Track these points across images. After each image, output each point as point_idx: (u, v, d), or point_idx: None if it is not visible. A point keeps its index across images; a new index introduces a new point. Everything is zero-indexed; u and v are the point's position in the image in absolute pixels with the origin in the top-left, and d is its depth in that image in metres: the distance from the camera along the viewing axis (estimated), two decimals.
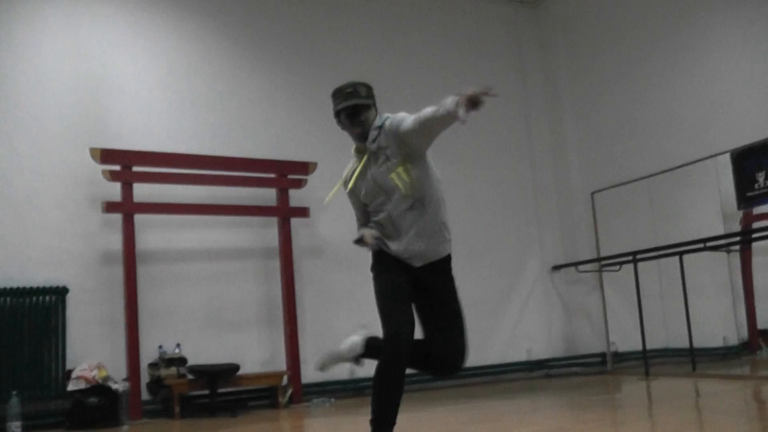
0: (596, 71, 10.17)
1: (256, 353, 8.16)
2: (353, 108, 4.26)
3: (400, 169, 4.06)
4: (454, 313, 4.20)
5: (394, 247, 4.17)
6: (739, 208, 8.09)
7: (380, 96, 9.47)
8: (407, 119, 4.06)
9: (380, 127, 4.20)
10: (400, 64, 9.66)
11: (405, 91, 9.52)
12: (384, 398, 4.13)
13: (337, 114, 4.41)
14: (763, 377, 8.01)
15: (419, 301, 4.22)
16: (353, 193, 4.39)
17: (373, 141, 4.20)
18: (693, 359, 8.27)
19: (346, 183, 4.43)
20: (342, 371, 8.55)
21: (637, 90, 9.49)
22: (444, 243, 4.19)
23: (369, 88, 4.37)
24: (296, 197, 8.41)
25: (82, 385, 6.90)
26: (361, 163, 4.28)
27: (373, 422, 4.05)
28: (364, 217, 4.43)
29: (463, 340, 4.19)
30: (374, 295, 4.27)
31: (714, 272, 8.63)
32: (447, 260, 4.24)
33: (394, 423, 4.07)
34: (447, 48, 10.02)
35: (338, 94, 4.38)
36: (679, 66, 8.92)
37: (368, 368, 8.48)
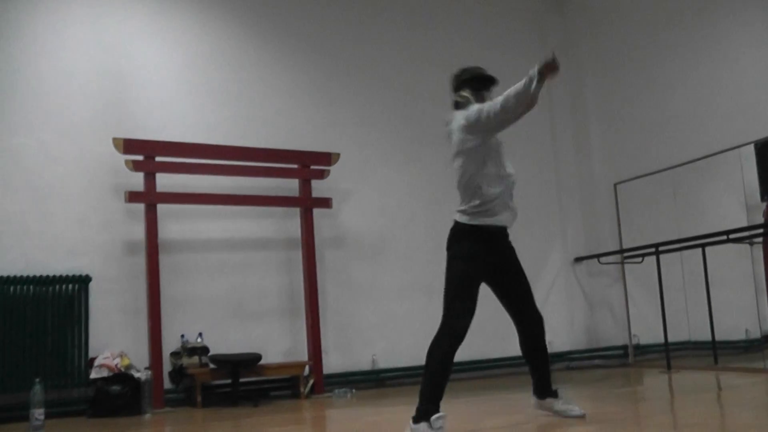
0: (620, 63, 10.11)
1: (277, 343, 8.19)
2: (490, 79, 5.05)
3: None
4: (525, 277, 4.99)
5: (503, 208, 4.88)
6: (762, 199, 8.03)
7: (398, 88, 9.51)
8: None
9: None
10: (419, 58, 9.63)
11: (424, 84, 9.53)
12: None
13: (471, 80, 5.04)
14: None
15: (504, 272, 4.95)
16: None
17: None
18: (715, 352, 8.23)
19: None
20: (365, 362, 8.58)
21: (660, 81, 9.42)
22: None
23: None
24: (318, 188, 8.43)
25: (105, 374, 6.96)
26: None
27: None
28: None
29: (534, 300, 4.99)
30: None
31: (736, 264, 8.57)
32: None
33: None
34: (468, 42, 9.97)
35: (470, 69, 5.09)
36: (703, 57, 8.85)
37: (389, 360, 8.56)
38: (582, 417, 4.76)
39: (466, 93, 4.92)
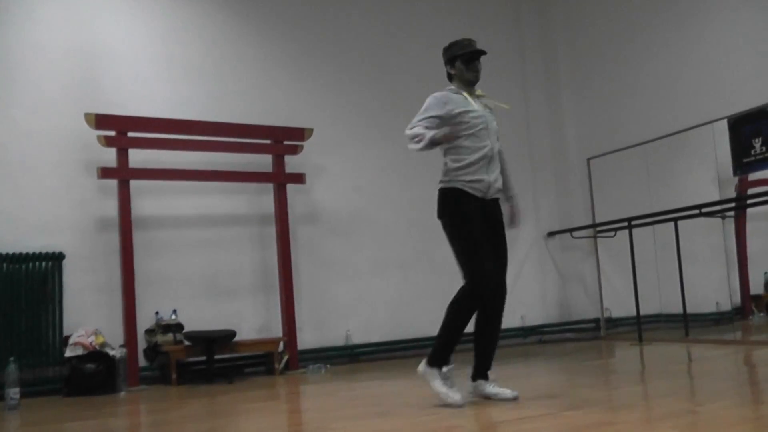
0: (593, 38, 10.13)
1: (252, 320, 8.20)
2: (479, 53, 5.05)
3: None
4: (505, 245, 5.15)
5: (486, 176, 4.92)
6: (735, 174, 8.11)
7: (374, 64, 9.48)
8: None
9: (479, 96, 5.09)
10: (395, 34, 9.63)
11: (399, 60, 9.52)
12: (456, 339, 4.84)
13: (456, 58, 5.07)
14: (754, 342, 8.07)
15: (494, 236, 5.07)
16: (465, 116, 4.91)
17: (484, 100, 5.12)
18: (686, 325, 8.33)
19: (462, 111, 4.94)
20: (339, 337, 8.60)
21: (633, 56, 9.46)
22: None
23: None
24: (292, 163, 8.41)
25: (80, 352, 6.93)
26: (474, 101, 5.01)
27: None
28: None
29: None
30: None
31: (708, 238, 8.67)
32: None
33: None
34: (444, 16, 9.96)
35: (459, 43, 5.11)
36: (676, 33, 8.89)
37: (363, 335, 8.60)
38: (515, 399, 4.76)
39: (455, 68, 5.09)
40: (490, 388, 4.85)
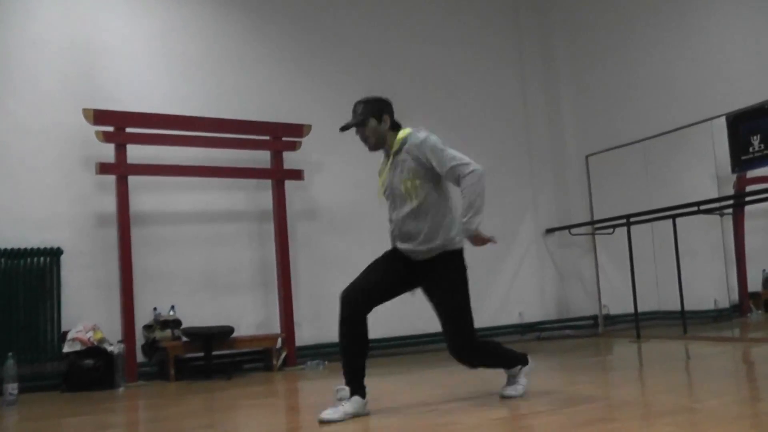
0: (592, 34, 10.13)
1: (250, 316, 8.20)
2: (351, 128, 4.81)
3: (409, 182, 4.59)
4: (458, 308, 4.63)
5: (398, 243, 4.75)
6: (733, 171, 8.11)
7: (372, 60, 9.42)
8: (443, 158, 4.52)
9: (404, 143, 4.66)
10: (395, 30, 9.61)
11: (400, 55, 9.51)
12: (343, 361, 4.65)
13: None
14: (752, 339, 8.08)
15: (428, 297, 4.78)
16: (381, 189, 4.89)
17: (398, 153, 4.69)
18: (684, 322, 8.34)
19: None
20: (336, 334, 8.59)
21: (632, 53, 9.45)
22: (447, 244, 4.63)
23: (367, 103, 4.82)
24: (290, 159, 8.40)
25: (78, 347, 6.93)
26: (387, 167, 4.80)
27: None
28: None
29: (467, 333, 4.61)
30: None
31: (707, 236, 8.67)
32: (444, 257, 4.63)
33: (351, 385, 4.52)
34: (443, 14, 9.95)
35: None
36: (675, 30, 8.88)
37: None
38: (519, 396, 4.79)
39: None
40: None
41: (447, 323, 4.61)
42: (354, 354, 4.61)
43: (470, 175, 4.43)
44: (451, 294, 4.63)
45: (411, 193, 4.59)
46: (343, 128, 4.83)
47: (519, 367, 4.83)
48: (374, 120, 4.73)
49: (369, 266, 4.81)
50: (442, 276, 4.64)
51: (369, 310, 4.67)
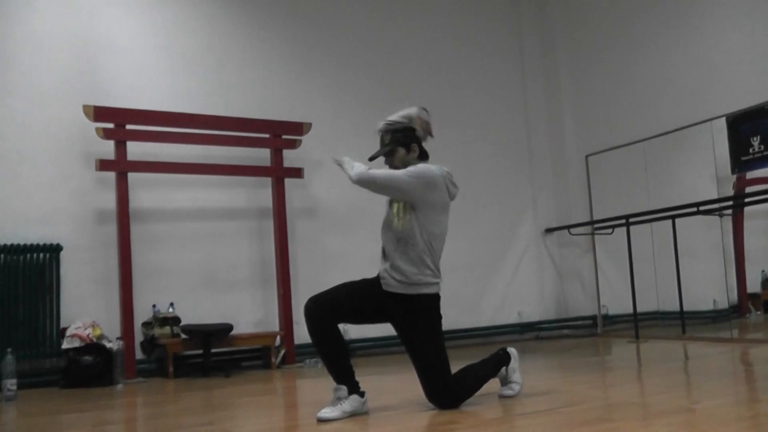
0: (592, 34, 10.13)
1: (249, 313, 8.20)
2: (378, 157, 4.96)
3: (400, 206, 4.66)
4: (423, 355, 4.47)
5: (380, 264, 4.69)
6: (733, 172, 8.11)
7: (372, 58, 9.42)
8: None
9: None
10: (396, 27, 9.62)
11: (400, 53, 9.51)
12: (326, 367, 4.57)
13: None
14: (751, 340, 8.07)
15: (402, 339, 4.62)
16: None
17: None
18: (683, 322, 8.35)
19: None
20: None
21: (633, 53, 9.45)
22: (418, 285, 4.48)
23: (395, 132, 4.95)
24: (290, 158, 8.41)
25: (77, 344, 6.93)
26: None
27: None
28: None
29: (434, 383, 4.45)
30: None
31: (706, 236, 8.66)
32: (421, 300, 4.50)
33: (340, 382, 4.46)
34: (443, 12, 9.96)
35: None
36: (676, 30, 8.88)
37: (359, 330, 8.55)
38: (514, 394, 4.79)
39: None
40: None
41: (420, 369, 4.48)
42: (333, 359, 4.49)
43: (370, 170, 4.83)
44: (429, 340, 4.50)
45: (399, 214, 4.64)
46: (372, 158, 4.98)
47: (504, 368, 4.82)
48: (403, 150, 4.86)
49: (343, 284, 4.76)
50: (417, 319, 4.51)
51: (335, 321, 4.48)
